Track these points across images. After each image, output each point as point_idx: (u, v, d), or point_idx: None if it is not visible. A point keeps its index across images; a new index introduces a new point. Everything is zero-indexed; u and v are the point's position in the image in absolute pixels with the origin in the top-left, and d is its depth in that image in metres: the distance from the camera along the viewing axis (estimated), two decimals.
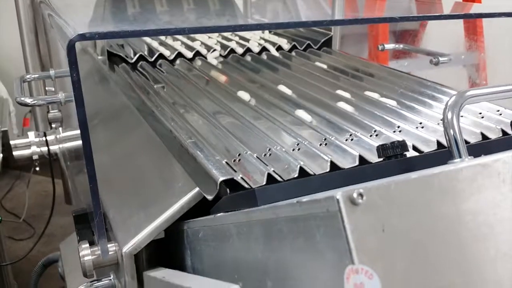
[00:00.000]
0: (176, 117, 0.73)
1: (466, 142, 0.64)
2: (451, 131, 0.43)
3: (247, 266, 0.41)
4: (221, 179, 0.52)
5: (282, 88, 0.86)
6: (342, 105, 0.77)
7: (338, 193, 0.28)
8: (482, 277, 0.30)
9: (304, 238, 0.31)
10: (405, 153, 0.50)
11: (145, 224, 0.57)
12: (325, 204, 0.29)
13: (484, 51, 1.93)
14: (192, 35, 1.21)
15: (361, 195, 0.28)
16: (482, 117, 0.73)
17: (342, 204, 0.28)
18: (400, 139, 0.54)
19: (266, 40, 1.18)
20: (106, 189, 0.68)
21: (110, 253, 0.59)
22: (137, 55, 1.02)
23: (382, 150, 0.50)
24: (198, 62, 1.03)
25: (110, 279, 0.65)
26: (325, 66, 1.02)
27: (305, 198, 0.31)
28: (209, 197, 0.54)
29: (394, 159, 0.50)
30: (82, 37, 0.52)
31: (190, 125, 0.69)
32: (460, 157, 0.41)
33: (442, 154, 0.42)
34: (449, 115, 0.44)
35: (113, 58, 1.05)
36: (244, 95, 0.81)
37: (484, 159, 0.33)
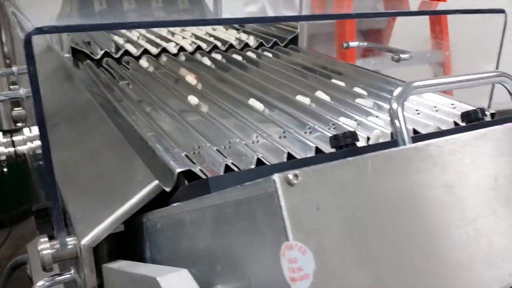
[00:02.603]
0: (138, 112, 0.73)
1: (417, 132, 0.67)
2: (396, 121, 0.45)
3: (200, 253, 0.42)
4: (178, 170, 0.53)
5: (245, 84, 0.87)
6: (301, 99, 0.79)
7: (275, 175, 0.29)
8: (411, 251, 0.31)
9: (247, 220, 0.33)
10: (355, 142, 0.52)
11: (103, 217, 0.58)
12: (264, 186, 0.30)
13: (449, 50, 1.99)
14: (167, 35, 1.21)
15: (296, 176, 0.29)
16: (437, 111, 0.76)
17: (279, 185, 0.29)
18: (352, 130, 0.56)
19: (237, 39, 1.19)
20: (67, 185, 0.68)
21: (69, 246, 0.59)
22: (102, 52, 1.01)
23: (334, 140, 0.52)
24: (164, 58, 1.03)
25: (71, 274, 0.65)
26: (289, 63, 1.03)
27: (249, 182, 0.32)
28: (167, 189, 0.55)
29: (345, 148, 0.51)
30: (40, 30, 0.52)
31: (151, 120, 0.70)
32: (404, 145, 0.43)
33: (391, 144, 0.44)
34: (395, 105, 0.46)
35: (78, 55, 1.05)
36: (208, 90, 0.82)
37: (418, 144, 0.35)
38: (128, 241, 0.63)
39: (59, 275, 0.66)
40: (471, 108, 0.71)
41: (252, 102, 0.77)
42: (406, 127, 0.45)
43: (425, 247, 0.32)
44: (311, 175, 0.30)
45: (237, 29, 1.35)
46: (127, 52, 1.04)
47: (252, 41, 1.17)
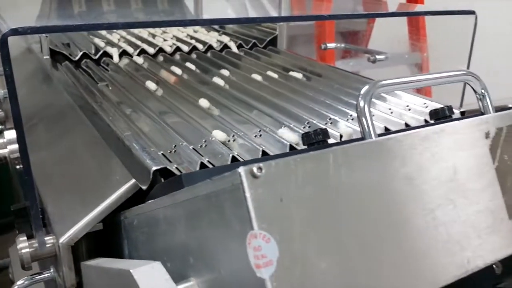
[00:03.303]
0: (116, 112, 0.74)
1: (388, 130, 0.69)
2: (363, 118, 0.47)
3: (174, 247, 0.44)
4: (154, 168, 0.54)
5: (219, 81, 0.89)
6: (278, 99, 0.81)
7: (240, 168, 0.31)
8: (372, 240, 0.33)
9: (216, 212, 0.34)
10: (327, 140, 0.54)
11: (81, 216, 0.58)
12: (231, 178, 0.31)
13: (427, 51, 2.02)
14: (148, 37, 1.22)
15: (260, 168, 0.31)
16: (409, 110, 0.78)
17: (244, 178, 0.30)
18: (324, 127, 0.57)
19: (218, 41, 1.20)
20: (46, 185, 0.69)
21: (47, 245, 0.60)
22: (81, 53, 1.02)
23: (305, 137, 0.54)
24: (141, 60, 1.04)
25: (51, 272, 0.66)
26: (267, 64, 1.05)
27: (217, 176, 0.34)
28: (144, 187, 0.56)
29: (317, 145, 0.53)
30: (15, 31, 0.53)
31: (129, 120, 0.71)
32: None
33: (359, 141, 0.46)
34: (361, 103, 0.48)
35: (57, 57, 1.05)
36: (186, 90, 0.83)
37: (379, 139, 0.37)
38: (107, 240, 0.64)
39: (39, 274, 0.66)
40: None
41: (230, 103, 0.78)
42: (372, 124, 0.46)
43: (386, 236, 0.33)
44: (275, 168, 0.31)
45: (218, 31, 1.36)
46: (106, 54, 1.05)
47: (231, 42, 1.19)
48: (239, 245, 0.31)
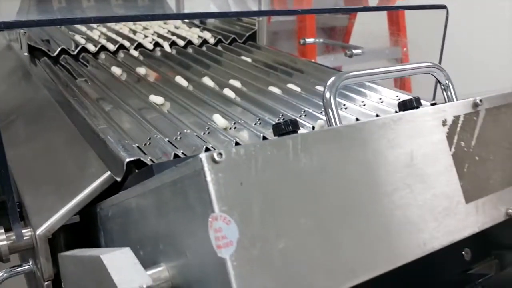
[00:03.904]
0: (93, 107, 0.75)
1: (359, 120, 0.70)
2: (329, 109, 0.49)
3: (146, 235, 0.45)
4: (128, 159, 0.55)
5: (196, 77, 0.90)
6: (255, 93, 0.82)
7: (202, 154, 0.32)
8: (329, 223, 0.35)
9: (181, 197, 0.35)
10: (297, 130, 0.55)
11: (58, 208, 0.59)
12: (193, 164, 0.33)
13: (406, 46, 2.05)
14: (128, 34, 1.22)
15: (220, 154, 0.32)
16: (382, 102, 0.80)
17: (205, 163, 0.32)
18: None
19: (199, 36, 1.21)
20: (24, 179, 0.70)
21: (25, 237, 0.61)
22: (59, 49, 1.02)
23: (276, 128, 0.55)
24: (121, 55, 1.05)
25: (29, 265, 0.67)
26: (249, 60, 1.06)
27: (182, 163, 0.35)
28: (118, 178, 0.57)
29: (287, 135, 0.55)
30: None
31: (106, 114, 0.72)
32: None
33: None
34: (328, 94, 0.50)
35: (36, 53, 1.05)
36: (163, 85, 0.84)
37: (338, 126, 0.38)
38: (85, 232, 0.65)
39: (18, 266, 0.67)
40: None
41: (207, 96, 0.79)
42: (338, 114, 0.48)
43: (342, 218, 0.35)
44: (235, 154, 0.33)
45: (198, 26, 1.37)
46: (85, 50, 1.05)
47: (211, 38, 1.20)
48: (202, 228, 0.33)
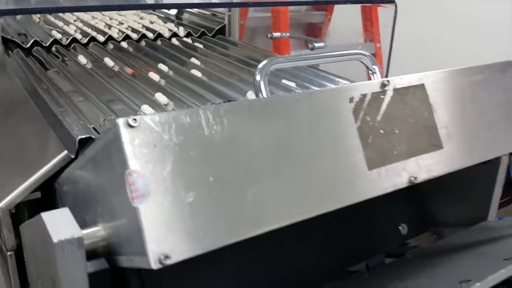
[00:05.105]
0: (58, 93, 0.80)
1: None
2: (259, 92, 0.55)
3: (89, 201, 0.50)
4: (79, 137, 0.60)
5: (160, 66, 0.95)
6: (208, 79, 0.88)
7: (119, 119, 0.37)
8: (229, 176, 0.40)
9: (108, 160, 0.41)
10: None
11: (19, 184, 0.65)
12: (114, 129, 0.38)
13: (379, 42, 2.11)
14: (104, 29, 1.27)
15: (135, 119, 0.37)
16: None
17: (121, 127, 0.37)
18: None
19: (169, 30, 1.26)
20: None
21: None
22: (32, 41, 1.07)
23: None
24: (91, 46, 1.10)
25: None
26: (209, 50, 1.12)
27: (107, 130, 0.41)
28: (72, 156, 0.62)
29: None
30: None
31: (67, 98, 0.77)
32: None
33: None
34: (258, 77, 0.55)
35: (10, 45, 1.10)
36: (127, 72, 0.89)
37: (248, 100, 0.44)
38: (46, 208, 0.70)
39: None
40: None
41: (167, 84, 0.85)
42: (267, 95, 0.54)
43: (247, 179, 0.40)
44: (150, 120, 0.38)
45: (173, 21, 1.42)
46: (57, 42, 1.10)
47: (181, 31, 1.25)
48: (122, 184, 0.38)
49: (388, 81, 0.52)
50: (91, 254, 0.44)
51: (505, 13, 2.17)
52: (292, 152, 0.44)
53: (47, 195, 0.68)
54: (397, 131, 0.51)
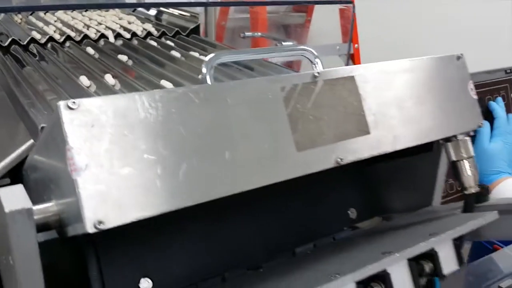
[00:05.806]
0: (30, 90, 0.85)
1: None
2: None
3: (46, 182, 0.55)
4: (42, 125, 0.65)
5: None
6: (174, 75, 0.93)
7: (60, 102, 0.42)
8: (162, 152, 0.45)
9: (54, 140, 0.46)
10: None
11: None
12: (57, 112, 0.43)
13: (358, 42, 2.17)
14: (82, 29, 1.32)
15: (74, 102, 0.43)
16: None
17: (62, 109, 0.42)
18: None
19: (144, 29, 1.31)
20: None
21: None
22: (10, 39, 1.12)
23: None
24: (67, 44, 1.15)
25: None
26: (179, 48, 1.17)
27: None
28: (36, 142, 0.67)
29: None
30: None
31: (37, 93, 0.82)
32: None
33: None
34: (204, 70, 0.60)
35: None
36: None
37: (184, 87, 0.49)
38: None
39: None
40: None
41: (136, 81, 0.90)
42: None
43: (180, 156, 0.46)
44: (88, 103, 0.43)
45: (151, 21, 1.48)
46: (34, 41, 1.15)
47: (155, 31, 1.30)
48: (64, 160, 0.43)
49: (318, 73, 0.57)
50: (43, 227, 0.49)
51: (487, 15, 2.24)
52: (223, 134, 0.49)
53: (16, 182, 0.73)
54: (326, 118, 0.56)
